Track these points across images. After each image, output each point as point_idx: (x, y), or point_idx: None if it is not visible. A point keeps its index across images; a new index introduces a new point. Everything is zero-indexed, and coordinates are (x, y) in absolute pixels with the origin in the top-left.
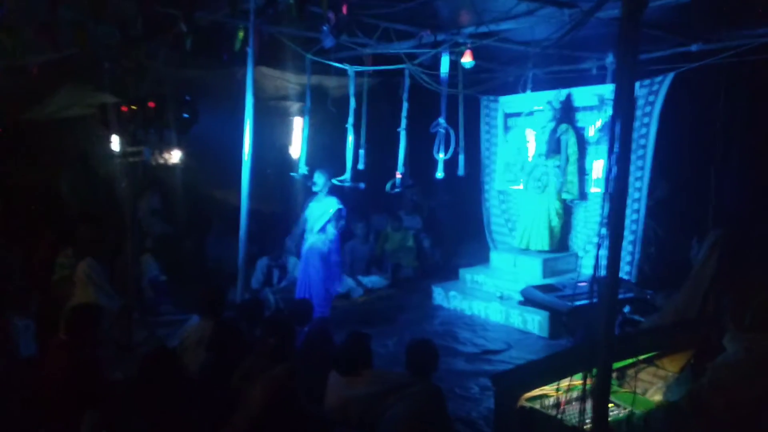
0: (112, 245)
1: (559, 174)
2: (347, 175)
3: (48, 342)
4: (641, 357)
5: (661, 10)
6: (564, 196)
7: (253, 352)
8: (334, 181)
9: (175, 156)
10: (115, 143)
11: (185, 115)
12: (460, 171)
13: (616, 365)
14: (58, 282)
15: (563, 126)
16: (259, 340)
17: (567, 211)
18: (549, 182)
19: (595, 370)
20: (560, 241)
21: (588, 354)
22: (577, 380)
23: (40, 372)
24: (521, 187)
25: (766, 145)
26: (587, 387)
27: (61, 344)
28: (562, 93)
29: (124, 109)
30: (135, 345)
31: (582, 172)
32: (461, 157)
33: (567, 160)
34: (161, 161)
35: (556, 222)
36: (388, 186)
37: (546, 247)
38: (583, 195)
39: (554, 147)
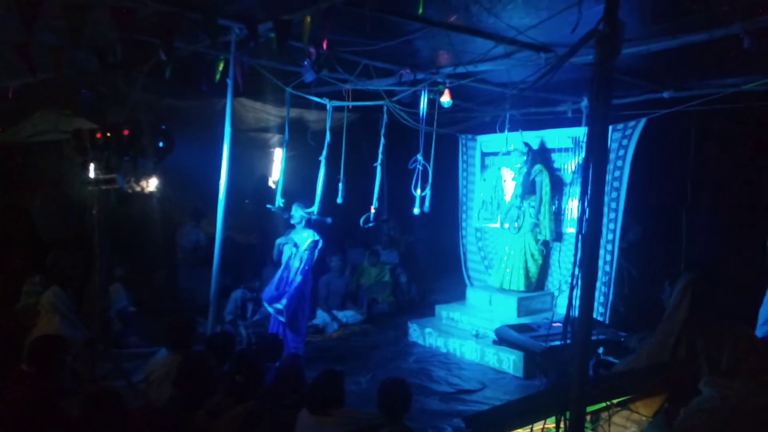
0: (81, 274)
1: (533, 214)
2: (315, 208)
3: (8, 373)
4: (615, 400)
5: (633, 57)
6: (538, 237)
7: (220, 388)
8: (303, 212)
9: (149, 184)
10: (89, 169)
11: (160, 144)
12: (426, 208)
13: (590, 408)
14: (22, 310)
15: (537, 167)
16: (227, 376)
17: (546, 252)
18: (524, 223)
19: (568, 413)
20: (537, 282)
21: (562, 396)
22: (551, 423)
23: None
24: (497, 225)
25: (735, 189)
26: (561, 430)
27: (23, 376)
28: (525, 135)
29: (98, 135)
30: (99, 378)
31: (558, 213)
32: (428, 194)
33: (541, 200)
34: (136, 189)
35: (532, 264)
36: (361, 220)
37: (522, 288)
38: (558, 235)
39: (529, 188)
